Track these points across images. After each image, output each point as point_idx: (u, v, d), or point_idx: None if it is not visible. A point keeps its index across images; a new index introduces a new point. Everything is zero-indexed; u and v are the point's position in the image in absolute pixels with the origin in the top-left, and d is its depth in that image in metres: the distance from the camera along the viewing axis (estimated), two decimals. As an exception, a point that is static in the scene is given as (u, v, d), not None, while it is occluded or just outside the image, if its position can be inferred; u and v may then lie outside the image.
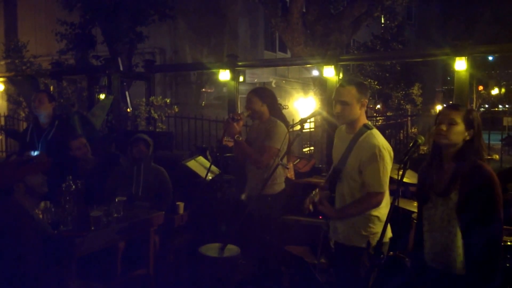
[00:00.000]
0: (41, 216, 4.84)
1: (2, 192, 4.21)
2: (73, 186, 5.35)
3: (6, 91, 13.87)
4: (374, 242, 3.98)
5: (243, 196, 5.78)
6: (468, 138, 3.69)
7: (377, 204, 4.29)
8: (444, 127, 3.68)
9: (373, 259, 3.79)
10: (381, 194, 4.28)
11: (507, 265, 5.06)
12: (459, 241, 3.66)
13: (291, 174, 6.15)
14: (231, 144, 7.42)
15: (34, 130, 6.97)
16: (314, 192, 4.53)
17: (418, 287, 4.08)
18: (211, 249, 5.58)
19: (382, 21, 23.64)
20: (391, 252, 4.97)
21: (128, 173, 6.61)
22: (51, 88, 11.52)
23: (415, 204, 6.41)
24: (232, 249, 5.58)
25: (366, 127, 4.39)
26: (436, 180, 3.84)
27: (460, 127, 3.66)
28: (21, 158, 4.50)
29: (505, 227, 5.63)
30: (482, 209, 3.55)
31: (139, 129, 11.14)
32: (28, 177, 4.33)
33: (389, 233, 4.40)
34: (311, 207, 4.42)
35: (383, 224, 3.93)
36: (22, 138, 7.43)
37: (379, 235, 3.98)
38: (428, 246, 3.90)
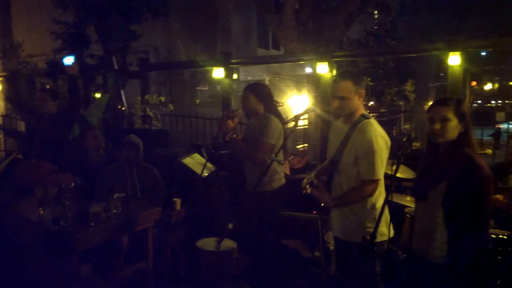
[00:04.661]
0: (42, 212, 4.93)
1: (21, 191, 4.24)
2: (72, 183, 5.44)
3: (3, 90, 13.92)
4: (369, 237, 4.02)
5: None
6: (462, 130, 3.69)
7: (372, 192, 4.27)
8: (437, 126, 3.69)
9: (366, 253, 3.90)
10: (376, 182, 4.25)
11: (499, 257, 5.17)
12: (442, 231, 3.69)
13: (287, 170, 6.20)
14: None
15: (35, 120, 7.14)
16: (312, 174, 4.51)
17: (405, 275, 4.15)
18: (208, 243, 5.69)
19: (376, 16, 23.72)
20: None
21: (122, 174, 6.69)
22: (47, 87, 11.58)
23: (408, 198, 6.51)
24: (228, 243, 5.69)
25: (363, 117, 4.39)
26: (430, 173, 3.85)
27: (453, 122, 3.67)
28: (51, 165, 4.55)
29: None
30: (468, 202, 3.54)
31: (135, 128, 11.21)
32: (49, 185, 4.40)
33: (390, 232, 4.34)
34: (308, 188, 4.37)
35: (381, 219, 4.05)
36: (21, 135, 7.54)
37: (378, 230, 4.06)
38: (415, 236, 3.97)
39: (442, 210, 3.67)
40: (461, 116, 3.67)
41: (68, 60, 6.97)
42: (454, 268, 3.62)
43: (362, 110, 4.47)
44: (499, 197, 5.80)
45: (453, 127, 3.67)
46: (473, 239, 3.57)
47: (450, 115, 3.67)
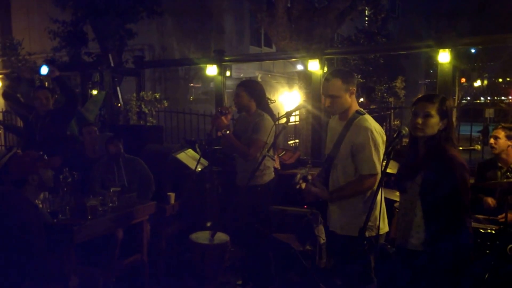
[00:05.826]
0: (40, 205, 5.03)
1: (17, 182, 4.40)
2: (70, 178, 5.58)
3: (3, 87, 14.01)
4: (367, 231, 4.10)
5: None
6: (442, 127, 3.79)
7: (370, 186, 4.31)
8: (420, 120, 3.78)
9: (358, 246, 3.99)
10: (374, 176, 4.29)
11: (487, 252, 5.30)
12: (419, 221, 3.81)
13: (277, 164, 6.31)
14: None
15: (34, 117, 7.28)
16: (305, 169, 4.57)
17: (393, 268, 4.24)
18: (201, 237, 5.79)
19: (366, 13, 23.80)
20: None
21: (108, 169, 6.80)
22: (46, 84, 11.67)
23: (398, 193, 6.66)
24: (221, 237, 5.80)
25: (358, 113, 4.44)
26: (410, 166, 3.98)
27: (435, 119, 3.77)
28: (37, 153, 4.67)
29: (484, 216, 5.91)
30: (444, 190, 3.65)
31: (131, 124, 11.34)
32: (41, 170, 4.53)
33: (385, 227, 4.48)
34: (302, 184, 4.43)
35: (378, 214, 4.16)
36: (21, 131, 7.63)
37: (372, 223, 4.20)
38: (400, 229, 4.05)
39: (419, 200, 3.80)
40: (443, 114, 3.79)
41: (43, 70, 7.03)
42: (433, 255, 3.72)
43: (356, 107, 4.53)
44: (490, 201, 5.95)
45: (434, 123, 3.78)
46: (450, 227, 3.68)
47: (433, 111, 3.78)
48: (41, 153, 4.67)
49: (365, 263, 4.33)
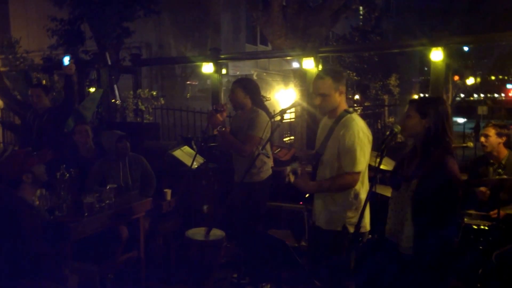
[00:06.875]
0: (37, 202, 5.04)
1: (12, 183, 4.46)
2: (67, 175, 5.62)
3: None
4: (350, 227, 4.28)
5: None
6: (427, 125, 3.80)
7: (352, 183, 4.34)
8: (402, 122, 3.93)
9: (352, 243, 4.05)
10: (357, 174, 4.32)
11: (480, 247, 5.37)
12: (409, 225, 3.82)
13: (271, 161, 6.36)
14: None
15: (32, 115, 7.34)
16: (296, 163, 4.54)
17: (376, 255, 4.25)
18: (197, 233, 5.79)
19: (361, 11, 23.86)
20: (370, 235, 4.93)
21: (113, 166, 6.80)
22: (43, 82, 11.73)
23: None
24: (217, 233, 5.83)
25: (346, 112, 4.48)
26: (406, 166, 4.01)
27: (413, 119, 3.86)
28: (27, 150, 4.70)
29: (477, 212, 5.97)
30: (436, 202, 3.65)
31: (128, 121, 11.39)
32: (34, 167, 4.59)
33: (367, 226, 4.50)
34: (291, 177, 4.39)
35: (364, 210, 4.26)
36: (19, 128, 7.68)
37: (355, 220, 4.20)
38: (389, 223, 4.11)
39: (410, 206, 3.83)
40: (422, 113, 3.84)
41: (66, 60, 7.11)
42: (419, 262, 3.74)
43: (344, 106, 4.57)
44: (483, 189, 6.02)
45: (413, 124, 3.88)
46: (438, 237, 3.69)
47: (411, 112, 3.89)
48: (30, 149, 4.71)
49: (348, 258, 4.36)
